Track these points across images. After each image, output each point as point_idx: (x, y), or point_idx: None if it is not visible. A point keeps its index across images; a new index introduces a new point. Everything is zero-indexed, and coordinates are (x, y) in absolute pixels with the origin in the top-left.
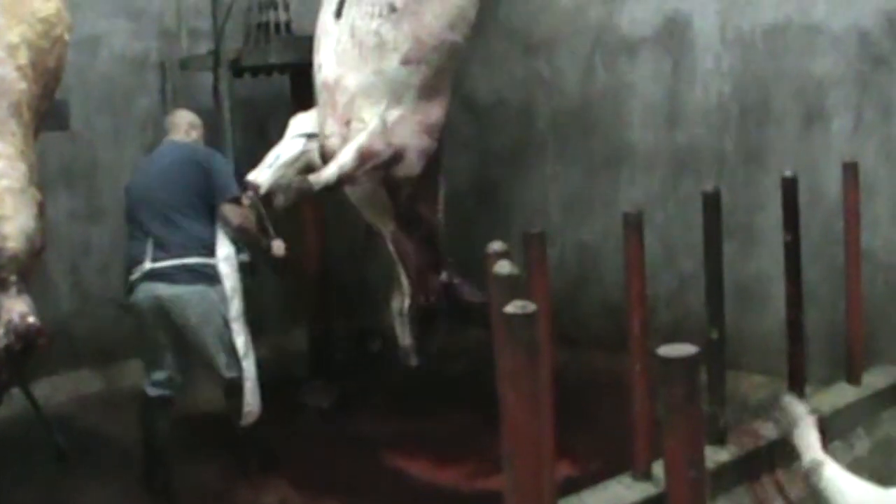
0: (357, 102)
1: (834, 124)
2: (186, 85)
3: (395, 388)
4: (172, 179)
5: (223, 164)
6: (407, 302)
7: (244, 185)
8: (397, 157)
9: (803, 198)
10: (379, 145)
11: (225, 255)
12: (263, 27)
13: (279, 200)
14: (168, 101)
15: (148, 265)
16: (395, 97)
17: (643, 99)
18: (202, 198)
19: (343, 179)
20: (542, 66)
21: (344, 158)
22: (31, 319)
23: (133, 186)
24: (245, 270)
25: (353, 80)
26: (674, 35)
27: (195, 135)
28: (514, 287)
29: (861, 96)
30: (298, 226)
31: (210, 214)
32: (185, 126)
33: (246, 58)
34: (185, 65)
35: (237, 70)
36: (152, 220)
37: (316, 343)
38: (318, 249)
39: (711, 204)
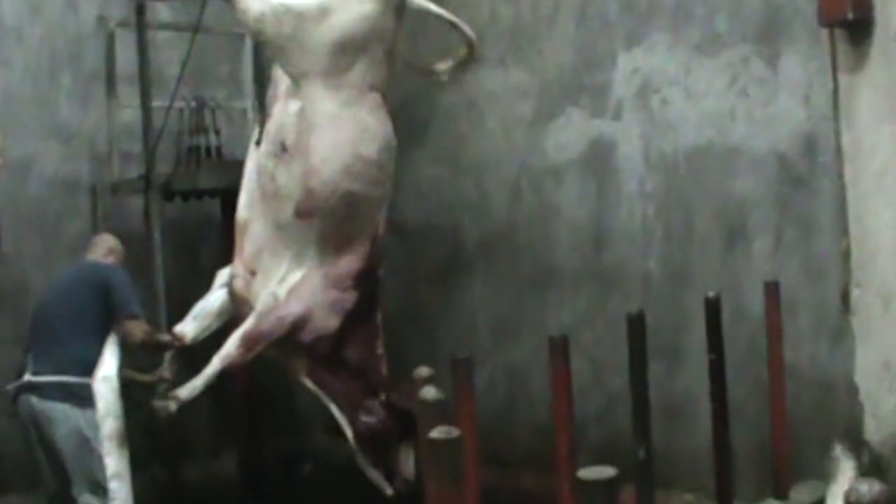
0: (262, 257)
1: (755, 244)
2: (117, 208)
3: None
4: (68, 297)
5: (123, 281)
6: (350, 434)
7: (172, 337)
8: (298, 325)
9: (727, 316)
10: (267, 326)
11: (103, 376)
12: (194, 151)
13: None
14: (99, 224)
15: (26, 377)
16: (297, 254)
17: (569, 221)
18: (94, 316)
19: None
20: (469, 190)
21: (227, 349)
22: None
23: (38, 301)
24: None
25: (258, 230)
26: (598, 159)
27: (112, 259)
28: (440, 412)
29: (781, 216)
30: None
31: (100, 333)
32: (104, 249)
33: (177, 182)
34: (116, 188)
35: (168, 194)
36: (41, 334)
37: (246, 467)
38: (247, 372)
39: (636, 325)
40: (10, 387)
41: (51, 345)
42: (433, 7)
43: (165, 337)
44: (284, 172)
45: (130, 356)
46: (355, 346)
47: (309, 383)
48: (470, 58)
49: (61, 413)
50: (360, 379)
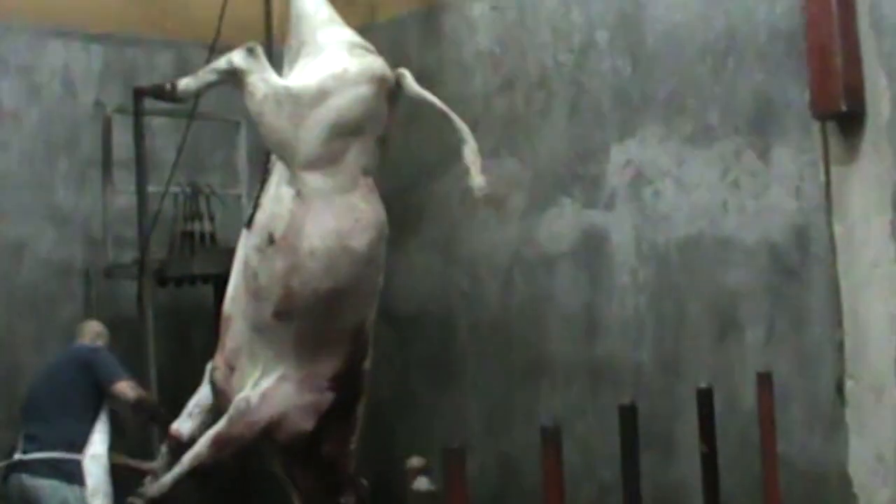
0: (240, 356)
1: (748, 335)
2: (111, 292)
3: None
4: (55, 378)
5: (104, 356)
6: None
7: (168, 436)
8: (271, 429)
9: (719, 407)
10: (237, 431)
11: (92, 453)
12: (188, 237)
13: None
14: (92, 308)
15: (17, 456)
16: (274, 355)
17: (561, 311)
18: (80, 395)
19: (201, 469)
20: (462, 279)
21: (198, 449)
22: None
23: (29, 384)
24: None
25: (238, 327)
26: (591, 249)
27: (100, 343)
28: (431, 503)
29: (773, 307)
30: None
31: (87, 412)
32: (91, 334)
33: (170, 267)
34: (109, 272)
35: (161, 279)
36: (31, 415)
37: None
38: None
39: (628, 417)
40: (2, 465)
41: (39, 424)
42: (428, 96)
43: (155, 402)
44: (266, 270)
45: (121, 438)
46: (330, 444)
47: (279, 472)
48: (469, 151)
49: (50, 489)
50: (328, 476)
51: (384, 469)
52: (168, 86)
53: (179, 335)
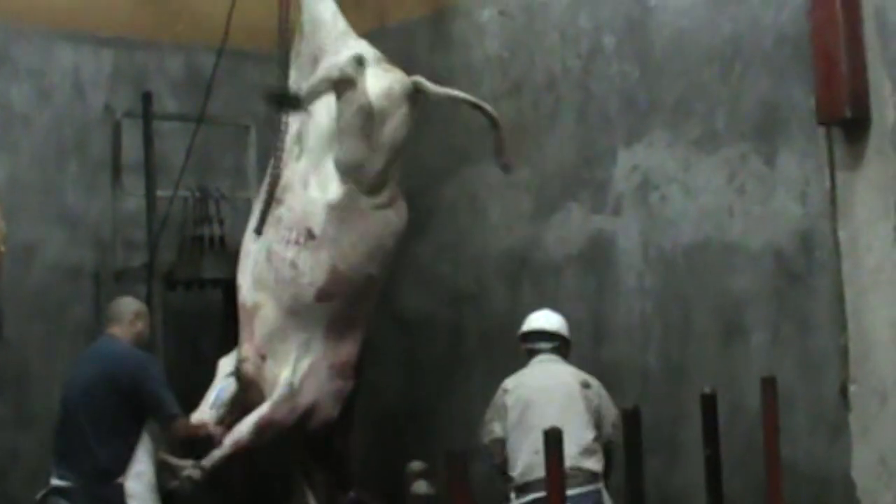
0: (273, 342)
1: (753, 340)
2: (120, 296)
3: None
4: (93, 397)
5: (154, 380)
6: None
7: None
8: (308, 414)
9: (724, 412)
10: (282, 413)
11: (137, 472)
12: (198, 241)
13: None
14: (101, 311)
15: (53, 482)
16: (306, 341)
17: (568, 316)
18: (123, 418)
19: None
20: (470, 283)
21: (240, 434)
22: None
23: (63, 395)
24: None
25: (270, 313)
26: (597, 254)
27: (140, 325)
28: None
29: (778, 312)
30: None
31: (131, 436)
32: (129, 316)
33: (180, 271)
34: (119, 276)
35: (170, 283)
36: (67, 434)
37: None
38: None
39: (632, 421)
40: (39, 495)
41: (78, 449)
42: (451, 91)
43: (206, 430)
44: (308, 258)
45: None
46: (339, 437)
47: (296, 468)
48: (499, 134)
49: None
50: (340, 470)
51: (391, 474)
52: (293, 95)
53: (189, 338)
